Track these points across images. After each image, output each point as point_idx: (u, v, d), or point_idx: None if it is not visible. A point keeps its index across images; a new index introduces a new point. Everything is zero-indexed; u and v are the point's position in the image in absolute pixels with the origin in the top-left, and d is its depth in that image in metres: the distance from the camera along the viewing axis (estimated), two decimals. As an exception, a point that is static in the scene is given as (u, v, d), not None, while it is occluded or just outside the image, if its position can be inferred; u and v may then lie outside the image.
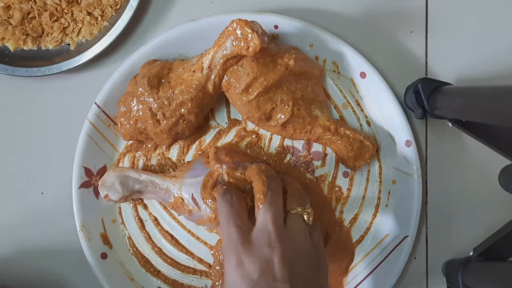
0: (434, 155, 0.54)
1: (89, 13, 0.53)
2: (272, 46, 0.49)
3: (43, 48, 0.54)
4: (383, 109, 0.52)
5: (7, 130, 0.55)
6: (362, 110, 0.53)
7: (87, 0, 0.53)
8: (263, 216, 0.41)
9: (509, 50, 0.54)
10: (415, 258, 0.54)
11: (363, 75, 0.52)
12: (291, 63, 0.48)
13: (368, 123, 0.53)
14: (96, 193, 0.53)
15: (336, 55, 0.52)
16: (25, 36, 0.54)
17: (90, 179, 0.52)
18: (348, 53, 0.52)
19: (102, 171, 0.53)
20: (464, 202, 0.54)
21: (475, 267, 0.49)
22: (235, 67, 0.48)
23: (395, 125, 0.52)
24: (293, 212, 0.42)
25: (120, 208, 0.54)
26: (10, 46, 0.53)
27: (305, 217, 0.42)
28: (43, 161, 0.55)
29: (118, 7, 0.54)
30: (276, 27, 0.52)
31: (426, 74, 0.54)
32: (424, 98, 0.49)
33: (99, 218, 0.53)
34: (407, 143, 0.52)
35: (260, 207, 0.41)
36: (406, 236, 0.51)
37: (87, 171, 0.52)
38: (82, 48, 0.53)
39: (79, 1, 0.53)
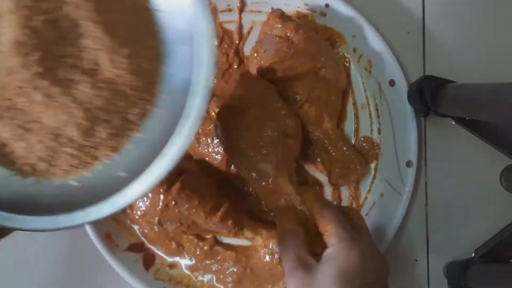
0: (435, 156, 0.53)
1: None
2: (315, 38, 0.49)
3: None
4: (399, 122, 0.52)
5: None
6: (378, 116, 0.52)
7: None
8: None
9: (506, 50, 0.53)
10: (416, 260, 0.54)
11: (392, 83, 0.51)
12: (323, 71, 0.48)
13: (379, 131, 0.52)
14: None
15: (375, 55, 0.51)
16: None
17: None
18: (386, 57, 0.51)
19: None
20: (465, 202, 0.53)
21: (477, 269, 0.50)
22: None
23: (404, 142, 0.52)
24: None
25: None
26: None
27: None
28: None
29: None
30: (327, 6, 0.51)
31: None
32: (428, 96, 0.48)
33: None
34: (408, 163, 0.52)
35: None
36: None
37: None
38: None
39: None
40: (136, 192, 0.33)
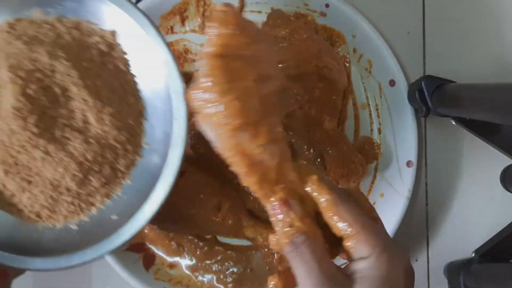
0: (435, 156, 0.53)
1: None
2: (315, 38, 0.48)
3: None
4: (398, 122, 0.52)
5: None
6: (378, 116, 0.53)
7: None
8: None
9: (506, 50, 0.53)
10: (416, 260, 0.54)
11: (392, 83, 0.51)
12: (325, 71, 0.48)
13: (379, 131, 0.53)
14: None
15: (375, 55, 0.52)
16: None
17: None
18: (386, 57, 0.51)
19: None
20: (465, 202, 0.53)
21: (477, 269, 0.50)
22: None
23: (404, 142, 0.52)
24: None
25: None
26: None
27: None
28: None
29: None
30: (327, 6, 0.51)
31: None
32: (428, 96, 0.48)
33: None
34: (408, 164, 0.51)
35: None
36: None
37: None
38: None
39: None
40: (127, 234, 0.38)
